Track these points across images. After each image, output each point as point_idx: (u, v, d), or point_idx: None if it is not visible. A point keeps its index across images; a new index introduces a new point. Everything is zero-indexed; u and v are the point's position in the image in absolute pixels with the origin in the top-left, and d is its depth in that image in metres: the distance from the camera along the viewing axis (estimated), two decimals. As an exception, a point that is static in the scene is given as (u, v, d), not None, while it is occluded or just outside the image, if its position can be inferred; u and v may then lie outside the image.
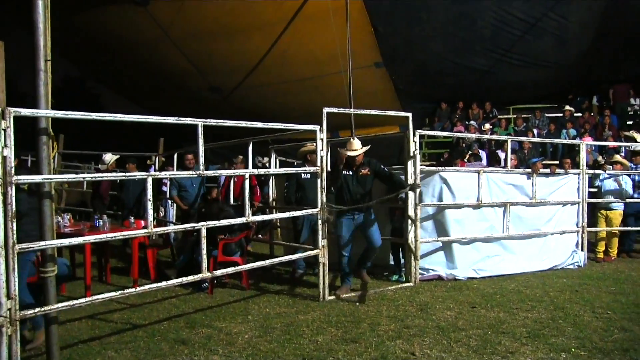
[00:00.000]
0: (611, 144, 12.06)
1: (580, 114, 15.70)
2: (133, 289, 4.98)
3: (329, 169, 6.66)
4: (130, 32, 14.79)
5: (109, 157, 9.50)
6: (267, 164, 10.00)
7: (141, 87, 18.08)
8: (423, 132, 7.83)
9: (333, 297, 6.56)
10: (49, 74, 3.91)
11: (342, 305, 6.26)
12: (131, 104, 20.17)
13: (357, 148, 6.54)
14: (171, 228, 5.54)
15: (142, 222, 7.14)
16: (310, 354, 4.61)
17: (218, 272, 5.50)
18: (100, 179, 5.94)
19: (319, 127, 6.37)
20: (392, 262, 8.03)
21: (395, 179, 6.90)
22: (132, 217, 7.65)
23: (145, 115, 4.76)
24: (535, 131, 15.11)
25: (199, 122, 4.96)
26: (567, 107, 15.47)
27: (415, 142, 7.32)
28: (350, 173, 6.64)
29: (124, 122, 4.93)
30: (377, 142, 13.77)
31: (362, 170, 6.66)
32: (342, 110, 6.87)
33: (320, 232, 6.46)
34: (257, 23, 13.62)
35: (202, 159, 5.00)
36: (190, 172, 4.80)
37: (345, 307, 6.17)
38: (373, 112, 7.10)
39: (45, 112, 3.91)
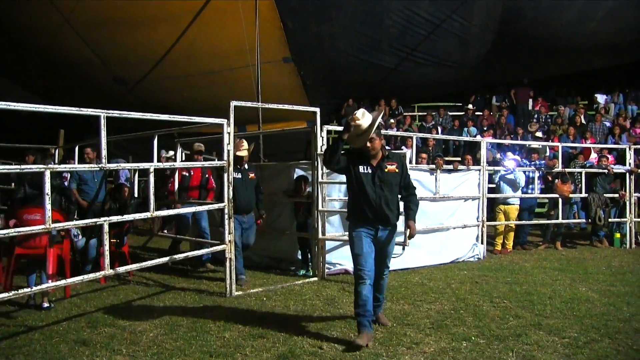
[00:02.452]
0: (509, 142, 12.75)
1: (480, 113, 16.52)
2: (28, 289, 4.72)
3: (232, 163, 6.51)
4: (29, 17, 13.93)
5: None
6: (173, 158, 9.78)
7: (40, 75, 17.06)
8: (331, 127, 7.93)
9: (240, 293, 6.51)
10: None
11: (249, 301, 6.21)
12: (27, 93, 18.96)
13: (366, 124, 4.65)
14: (71, 224, 5.28)
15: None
16: (217, 350, 4.55)
17: (122, 269, 5.31)
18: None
19: (226, 120, 6.30)
20: (299, 257, 8.08)
21: (412, 185, 5.16)
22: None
23: (44, 105, 4.52)
24: (439, 128, 15.74)
25: (102, 113, 4.77)
26: (469, 106, 16.27)
27: (322, 137, 7.40)
28: (369, 169, 4.83)
29: (20, 111, 4.64)
30: (284, 137, 14.07)
31: (388, 166, 4.89)
32: (249, 104, 6.84)
33: (226, 227, 6.40)
34: (164, 14, 13.25)
35: (104, 152, 4.81)
36: (92, 165, 4.61)
37: (252, 303, 6.14)
38: (281, 106, 7.13)
39: None
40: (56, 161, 10.74)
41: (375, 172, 4.79)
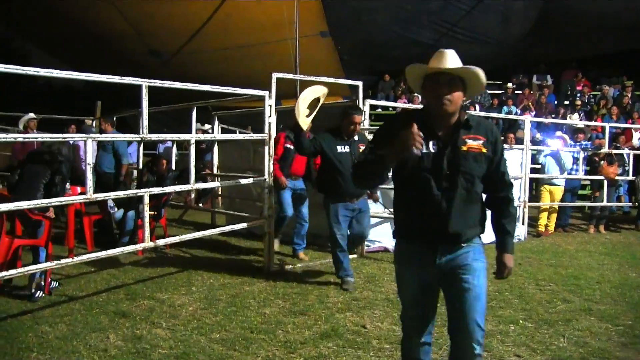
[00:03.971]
0: (550, 120, 12.36)
1: (520, 92, 16.05)
2: (69, 259, 4.67)
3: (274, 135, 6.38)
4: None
5: (25, 118, 8.96)
6: (210, 131, 9.70)
7: (75, 48, 17.09)
8: (373, 102, 7.72)
9: (278, 269, 6.42)
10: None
11: (288, 276, 6.12)
12: (65, 66, 19.09)
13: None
14: (112, 194, 5.21)
15: (78, 189, 6.75)
16: (258, 326, 4.47)
17: (161, 242, 5.24)
18: (34, 139, 5.47)
19: (267, 92, 6.15)
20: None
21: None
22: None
23: (84, 73, 4.41)
24: (477, 107, 15.34)
25: (143, 83, 4.66)
26: (509, 85, 15.80)
27: (364, 112, 7.20)
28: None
29: (57, 83, 4.55)
30: (320, 113, 13.83)
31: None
32: (290, 76, 6.67)
33: (266, 202, 6.29)
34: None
35: (145, 122, 4.71)
36: (133, 135, 4.51)
37: (292, 278, 6.03)
38: (322, 79, 6.91)
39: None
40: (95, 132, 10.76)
41: (445, 148, 2.71)
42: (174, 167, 8.06)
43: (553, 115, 14.42)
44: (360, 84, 7.19)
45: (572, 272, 6.56)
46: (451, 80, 2.53)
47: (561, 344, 4.20)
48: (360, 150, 5.07)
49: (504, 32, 14.66)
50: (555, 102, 15.72)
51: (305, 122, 5.21)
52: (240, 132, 12.35)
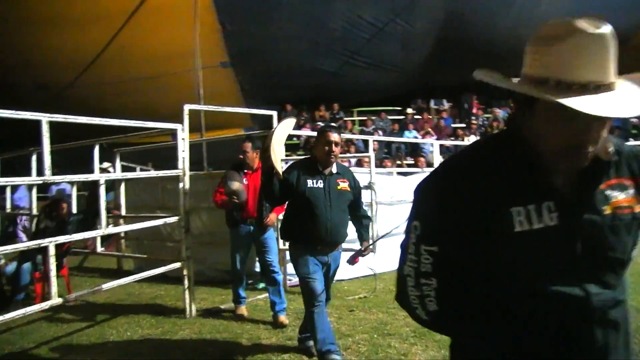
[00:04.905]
0: (460, 143, 12.70)
1: (419, 117, 16.54)
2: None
3: (188, 171, 5.94)
4: None
5: None
6: (110, 170, 9.00)
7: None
8: (294, 132, 7.47)
9: (201, 313, 5.92)
10: None
11: (212, 321, 5.63)
12: None
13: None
14: (10, 247, 4.51)
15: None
16: (190, 384, 4.02)
17: (71, 296, 4.62)
18: None
19: (180, 125, 5.72)
20: (257, 269, 7.55)
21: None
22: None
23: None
24: (380, 132, 15.60)
25: (43, 118, 4.10)
26: (409, 110, 16.26)
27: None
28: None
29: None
30: (222, 144, 13.41)
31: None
32: (202, 107, 6.29)
33: (183, 243, 5.81)
34: (94, 14, 12.35)
35: (48, 162, 4.13)
36: (34, 178, 3.93)
37: (217, 323, 5.56)
38: (236, 110, 6.62)
39: None
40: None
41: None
42: (74, 211, 7.32)
43: (452, 138, 14.97)
44: (274, 113, 6.94)
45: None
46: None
47: None
48: (339, 188, 4.22)
49: (404, 59, 15.08)
50: (452, 125, 16.37)
51: (280, 166, 4.15)
52: (141, 170, 11.68)
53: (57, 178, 4.36)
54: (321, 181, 4.15)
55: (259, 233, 5.61)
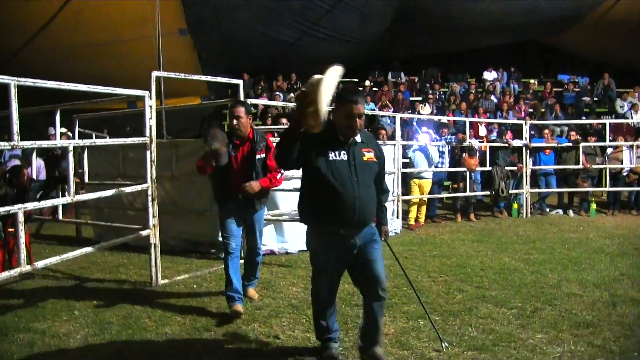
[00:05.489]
0: (424, 116, 12.84)
1: (377, 89, 16.69)
2: None
3: (155, 139, 5.86)
4: None
5: None
6: (69, 135, 8.81)
7: None
8: (255, 101, 7.49)
9: (166, 282, 5.94)
10: None
11: (179, 289, 5.71)
12: None
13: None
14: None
15: None
16: (163, 350, 4.07)
17: (40, 263, 4.58)
18: None
19: (147, 93, 5.66)
20: (220, 239, 7.59)
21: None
22: None
23: None
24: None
25: (12, 81, 4.03)
26: (367, 82, 16.39)
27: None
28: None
29: None
30: (177, 114, 13.33)
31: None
32: (171, 74, 6.19)
33: (150, 211, 5.80)
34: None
35: (16, 127, 4.07)
36: (3, 143, 3.84)
37: (183, 292, 5.64)
38: (205, 78, 6.57)
39: None
40: None
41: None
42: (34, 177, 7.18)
43: (410, 111, 15.20)
44: (241, 82, 6.92)
45: (456, 262, 6.86)
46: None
47: (472, 333, 4.32)
48: (365, 159, 3.58)
49: (363, 31, 15.12)
50: (410, 99, 16.59)
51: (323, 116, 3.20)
52: (96, 137, 11.45)
53: (27, 143, 4.29)
54: (344, 152, 3.51)
55: (249, 211, 4.99)
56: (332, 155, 3.48)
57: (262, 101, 12.51)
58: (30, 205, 4.47)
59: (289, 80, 16.78)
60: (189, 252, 7.54)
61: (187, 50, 15.15)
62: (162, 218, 6.03)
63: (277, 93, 15.86)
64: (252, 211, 4.99)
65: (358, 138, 3.58)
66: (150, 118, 5.68)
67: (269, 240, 7.52)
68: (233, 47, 15.37)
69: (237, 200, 4.86)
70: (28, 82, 4.16)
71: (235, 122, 4.84)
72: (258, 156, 4.92)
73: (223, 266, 4.94)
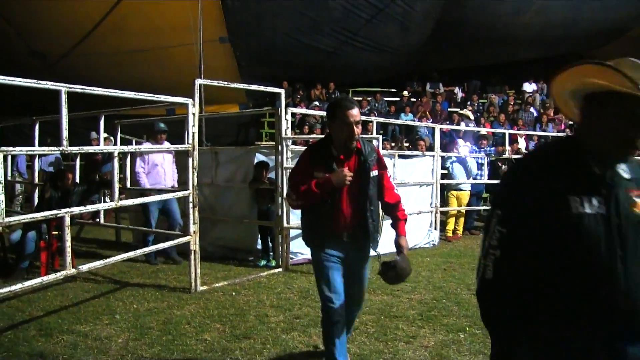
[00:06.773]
0: (464, 128, 12.69)
1: (415, 99, 16.57)
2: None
3: (197, 146, 5.91)
4: None
5: None
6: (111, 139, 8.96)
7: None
8: (295, 110, 7.50)
9: (205, 288, 5.97)
10: None
11: (218, 296, 5.72)
12: None
13: None
14: (28, 216, 4.50)
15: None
16: (202, 355, 4.08)
17: (84, 267, 4.64)
18: None
19: (191, 100, 5.71)
20: (258, 246, 7.62)
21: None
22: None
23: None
24: (375, 114, 15.61)
25: (62, 88, 4.11)
26: (405, 92, 16.28)
27: (287, 121, 6.95)
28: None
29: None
30: (216, 120, 13.44)
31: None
32: (214, 82, 6.24)
33: (191, 217, 5.84)
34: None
35: (65, 132, 4.14)
36: (53, 148, 3.93)
37: (222, 299, 5.64)
38: (246, 86, 6.60)
39: None
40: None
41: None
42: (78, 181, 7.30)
43: (448, 122, 15.01)
44: (282, 90, 6.93)
45: (496, 276, 6.70)
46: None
47: (514, 351, 4.20)
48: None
49: (403, 41, 15.04)
50: (448, 110, 16.40)
51: None
52: (136, 143, 11.61)
53: (75, 149, 4.37)
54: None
55: (359, 257, 3.65)
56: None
57: (301, 110, 12.49)
58: (77, 210, 4.54)
59: (327, 89, 16.79)
60: (226, 259, 7.58)
61: (227, 57, 15.28)
62: (200, 224, 6.06)
63: (316, 103, 15.90)
64: (363, 257, 3.68)
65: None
66: (193, 125, 5.72)
67: (306, 248, 7.47)
68: (272, 56, 15.46)
69: (342, 242, 3.48)
70: (78, 88, 4.23)
71: (355, 130, 3.31)
72: (371, 174, 3.46)
73: (323, 338, 3.60)
